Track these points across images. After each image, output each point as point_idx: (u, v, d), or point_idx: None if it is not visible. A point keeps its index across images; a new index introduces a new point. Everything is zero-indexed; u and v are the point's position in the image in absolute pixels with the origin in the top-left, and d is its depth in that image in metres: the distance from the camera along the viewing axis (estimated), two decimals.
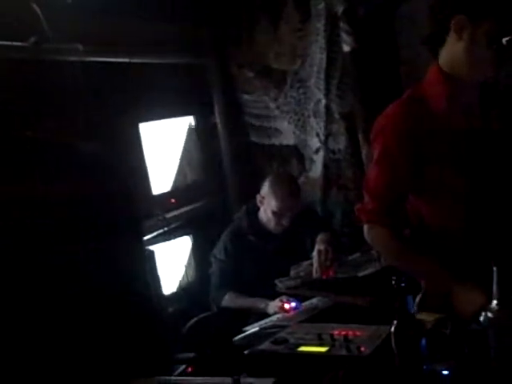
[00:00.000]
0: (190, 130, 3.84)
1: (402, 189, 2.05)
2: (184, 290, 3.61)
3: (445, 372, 1.59)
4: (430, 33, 1.99)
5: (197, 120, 3.86)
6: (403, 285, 1.64)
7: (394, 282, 1.63)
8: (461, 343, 1.69)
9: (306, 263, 3.03)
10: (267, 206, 3.24)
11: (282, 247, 3.25)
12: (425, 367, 1.63)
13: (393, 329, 1.64)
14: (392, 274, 1.68)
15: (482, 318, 1.60)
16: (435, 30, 1.96)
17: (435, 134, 1.96)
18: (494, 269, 1.52)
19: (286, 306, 2.90)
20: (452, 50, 1.95)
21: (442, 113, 1.97)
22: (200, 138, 3.86)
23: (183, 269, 3.68)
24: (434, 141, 1.96)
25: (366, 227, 2.10)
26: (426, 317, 1.84)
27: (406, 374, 1.62)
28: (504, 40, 1.84)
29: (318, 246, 3.02)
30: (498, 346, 1.55)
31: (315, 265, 2.94)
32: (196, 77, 3.84)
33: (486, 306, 1.60)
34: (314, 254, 2.99)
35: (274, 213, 3.21)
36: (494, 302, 1.56)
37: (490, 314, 1.57)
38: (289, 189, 3.24)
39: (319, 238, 3.11)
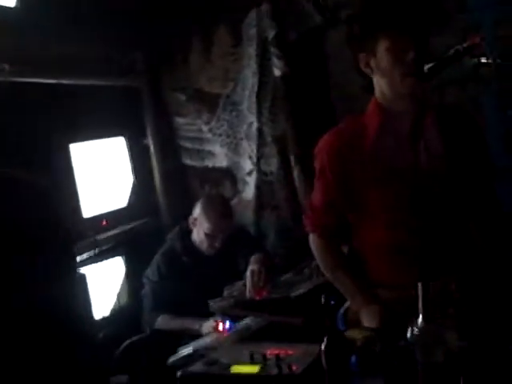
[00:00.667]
0: (122, 151, 3.82)
1: (337, 207, 2.18)
2: (117, 313, 3.56)
3: None
4: (362, 84, 2.15)
5: (128, 141, 3.84)
6: (333, 303, 1.68)
7: (323, 301, 1.66)
8: (390, 359, 1.74)
9: (239, 283, 3.04)
10: (199, 227, 3.24)
11: (215, 268, 3.25)
12: None
13: (323, 347, 1.67)
14: (322, 293, 1.72)
15: (408, 335, 1.64)
16: (362, 77, 2.11)
17: (365, 162, 2.08)
18: (419, 285, 1.58)
19: (220, 326, 2.90)
20: (377, 84, 2.09)
21: (373, 142, 2.07)
22: (132, 160, 3.84)
23: (116, 291, 3.63)
24: (363, 168, 2.08)
25: (309, 236, 2.27)
26: (355, 334, 1.89)
27: None
28: (426, 68, 1.94)
29: (252, 267, 3.04)
30: (424, 361, 1.60)
31: (248, 285, 2.96)
32: (128, 99, 3.84)
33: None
34: (247, 274, 3.01)
35: (206, 234, 3.22)
36: (420, 318, 1.61)
37: (415, 330, 1.62)
38: (221, 210, 3.26)
39: (252, 258, 3.13)
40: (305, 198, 3.47)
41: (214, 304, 2.90)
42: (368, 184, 2.08)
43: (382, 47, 2.00)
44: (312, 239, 2.26)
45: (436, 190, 2.06)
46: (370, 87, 2.12)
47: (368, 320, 2.06)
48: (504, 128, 3.22)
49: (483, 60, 1.84)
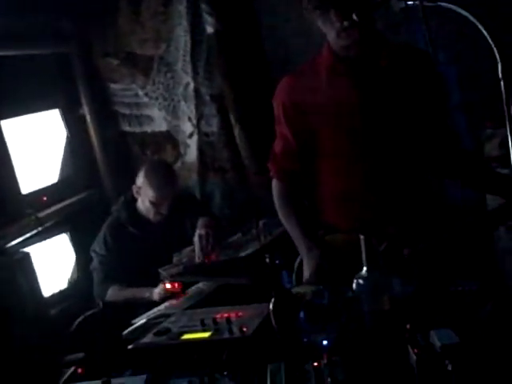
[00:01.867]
0: (58, 124, 3.70)
1: (295, 153, 2.18)
2: (68, 290, 3.50)
3: (324, 342, 1.63)
4: None
5: (63, 113, 3.71)
6: (278, 262, 1.66)
7: (268, 261, 1.65)
8: (338, 312, 1.74)
9: (187, 249, 3.01)
10: (144, 196, 3.18)
11: (163, 236, 3.20)
12: (305, 339, 1.66)
13: (271, 306, 1.66)
14: (268, 252, 1.70)
15: (354, 286, 1.64)
16: None
17: (318, 104, 2.07)
18: (361, 237, 1.57)
19: (170, 286, 2.86)
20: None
21: (325, 83, 2.07)
22: (68, 131, 3.72)
23: (65, 268, 3.56)
24: (316, 109, 2.07)
25: (272, 181, 2.28)
26: (303, 289, 1.88)
27: (287, 348, 1.64)
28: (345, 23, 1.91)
29: (199, 231, 3.00)
30: (370, 310, 1.60)
31: (197, 250, 2.92)
32: (59, 68, 3.71)
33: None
34: (195, 239, 2.97)
35: (151, 202, 3.16)
36: (364, 268, 1.61)
37: (360, 281, 1.62)
38: (164, 177, 3.20)
39: (199, 222, 3.09)
40: (247, 157, 3.45)
41: (163, 272, 2.86)
42: (321, 125, 2.08)
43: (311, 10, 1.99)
44: (274, 184, 2.27)
45: (389, 130, 2.06)
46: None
47: (306, 266, 2.07)
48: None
49: (410, 2, 1.80)
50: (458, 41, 3.19)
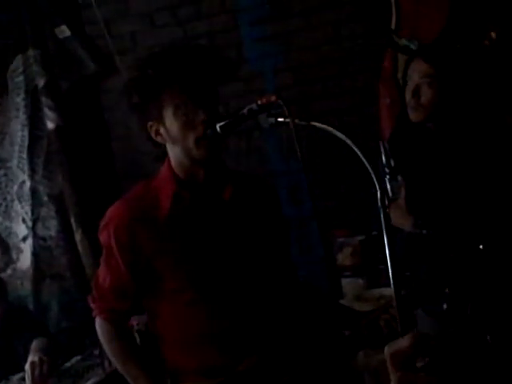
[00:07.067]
0: None
1: (129, 291, 1.90)
2: None
3: None
4: (154, 155, 1.90)
5: None
6: None
7: None
8: None
9: (16, 377, 2.60)
10: None
11: None
12: None
13: None
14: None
15: None
16: (154, 145, 1.87)
17: (159, 239, 1.83)
18: None
19: None
20: (171, 152, 1.85)
21: (167, 217, 1.83)
22: None
23: None
24: (157, 245, 1.83)
25: (96, 320, 1.96)
26: None
27: None
28: (218, 126, 1.74)
29: (32, 357, 2.59)
30: None
31: (27, 380, 2.52)
32: None
33: None
34: (27, 367, 2.57)
35: None
36: None
37: None
38: None
39: (33, 345, 2.69)
40: (90, 265, 3.17)
41: None
42: (163, 263, 1.83)
43: (168, 113, 1.77)
44: (99, 324, 1.94)
45: (237, 267, 1.87)
46: (164, 155, 1.88)
47: None
48: (288, 179, 3.21)
49: (281, 119, 1.67)
50: (311, 149, 3.18)
